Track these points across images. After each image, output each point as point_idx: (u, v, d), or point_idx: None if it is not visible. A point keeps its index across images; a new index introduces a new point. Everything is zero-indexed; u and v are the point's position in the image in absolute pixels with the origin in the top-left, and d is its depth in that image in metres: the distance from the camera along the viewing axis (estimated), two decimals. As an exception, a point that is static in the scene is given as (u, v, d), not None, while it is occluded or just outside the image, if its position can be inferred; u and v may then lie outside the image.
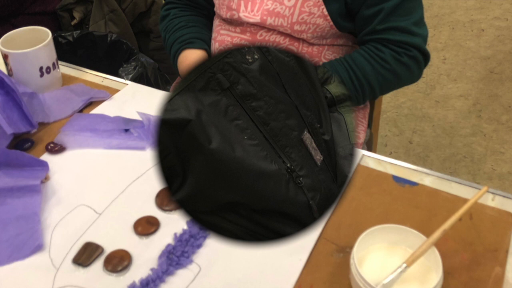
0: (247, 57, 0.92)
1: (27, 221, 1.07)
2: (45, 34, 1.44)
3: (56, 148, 1.27)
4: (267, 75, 0.94)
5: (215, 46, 1.57)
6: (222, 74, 0.89)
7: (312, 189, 0.93)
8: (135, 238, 1.06)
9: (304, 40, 1.46)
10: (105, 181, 1.18)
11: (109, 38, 1.99)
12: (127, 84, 1.50)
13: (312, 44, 1.47)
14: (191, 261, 1.01)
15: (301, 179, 0.92)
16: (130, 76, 1.87)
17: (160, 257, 1.01)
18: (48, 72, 1.44)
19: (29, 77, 1.42)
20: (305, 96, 0.98)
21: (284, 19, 1.43)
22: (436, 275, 0.90)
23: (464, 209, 0.96)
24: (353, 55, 1.43)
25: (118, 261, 1.01)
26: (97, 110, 1.40)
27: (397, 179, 1.16)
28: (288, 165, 0.92)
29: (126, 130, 1.31)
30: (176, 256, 1.01)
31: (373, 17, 1.41)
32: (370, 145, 1.75)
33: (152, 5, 2.17)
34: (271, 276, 0.98)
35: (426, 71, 3.02)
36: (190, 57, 1.57)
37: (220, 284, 0.97)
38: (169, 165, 0.87)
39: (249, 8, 1.47)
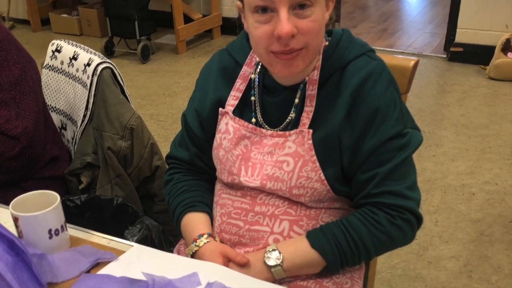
0: None
1: None
2: (53, 197, 1.48)
3: (65, 308, 1.29)
4: None
5: (217, 209, 1.62)
6: None
7: None
8: None
9: (302, 204, 1.52)
10: None
11: (115, 202, 2.02)
12: (132, 246, 1.53)
13: (310, 207, 1.52)
14: None
15: None
16: (135, 238, 1.88)
17: None
18: (56, 234, 1.47)
19: (39, 239, 1.45)
20: None
21: (283, 184, 1.49)
22: None
23: None
24: (349, 218, 1.49)
25: None
26: (104, 270, 1.42)
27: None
28: None
29: (132, 290, 1.34)
30: None
31: (369, 182, 1.47)
32: (366, 305, 1.78)
33: (156, 170, 2.22)
34: None
35: (419, 233, 3.08)
36: (193, 220, 1.62)
37: None
38: None
39: (249, 173, 1.53)
